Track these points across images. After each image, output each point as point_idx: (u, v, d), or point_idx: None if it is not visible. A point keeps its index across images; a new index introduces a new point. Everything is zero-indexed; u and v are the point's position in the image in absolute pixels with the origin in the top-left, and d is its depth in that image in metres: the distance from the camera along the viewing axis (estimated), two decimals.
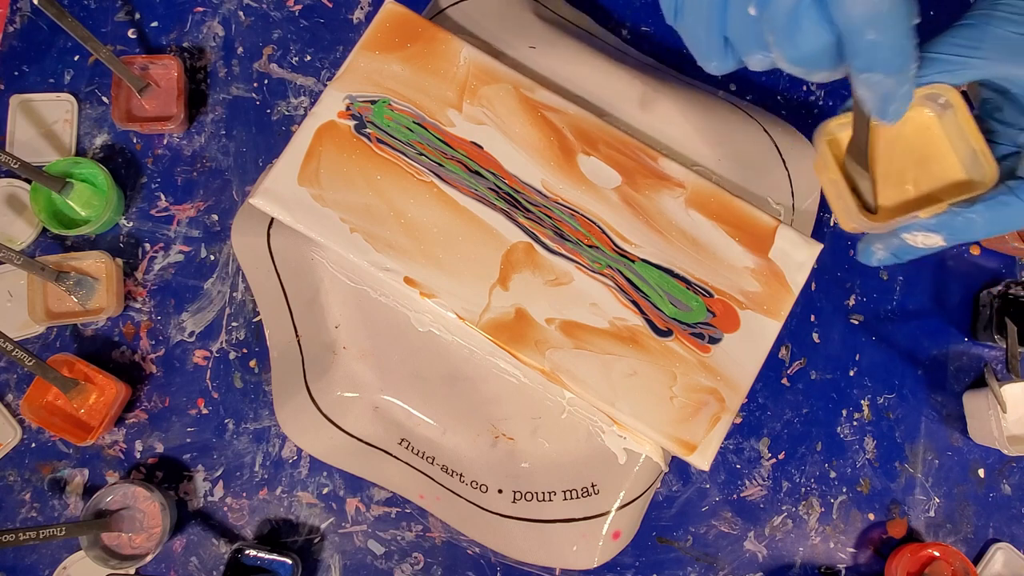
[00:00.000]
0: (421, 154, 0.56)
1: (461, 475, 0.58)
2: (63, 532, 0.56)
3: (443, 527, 0.63)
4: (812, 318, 0.67)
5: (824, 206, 0.68)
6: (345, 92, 0.57)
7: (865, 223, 0.41)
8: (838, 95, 0.71)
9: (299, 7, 0.71)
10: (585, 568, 0.57)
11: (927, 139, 0.41)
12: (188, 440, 0.64)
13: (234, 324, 0.66)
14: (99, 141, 0.68)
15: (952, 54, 0.38)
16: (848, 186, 0.41)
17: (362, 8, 0.71)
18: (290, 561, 0.59)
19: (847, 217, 0.42)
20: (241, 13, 0.70)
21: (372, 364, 0.58)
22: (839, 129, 0.41)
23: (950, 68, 0.38)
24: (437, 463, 0.59)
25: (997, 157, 0.41)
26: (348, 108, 0.56)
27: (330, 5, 0.71)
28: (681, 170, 0.57)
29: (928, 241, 0.40)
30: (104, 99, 0.69)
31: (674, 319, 0.54)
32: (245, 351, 0.65)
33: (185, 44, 0.70)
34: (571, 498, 0.57)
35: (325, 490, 0.64)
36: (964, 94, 0.40)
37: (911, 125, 0.41)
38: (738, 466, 0.65)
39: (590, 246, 0.55)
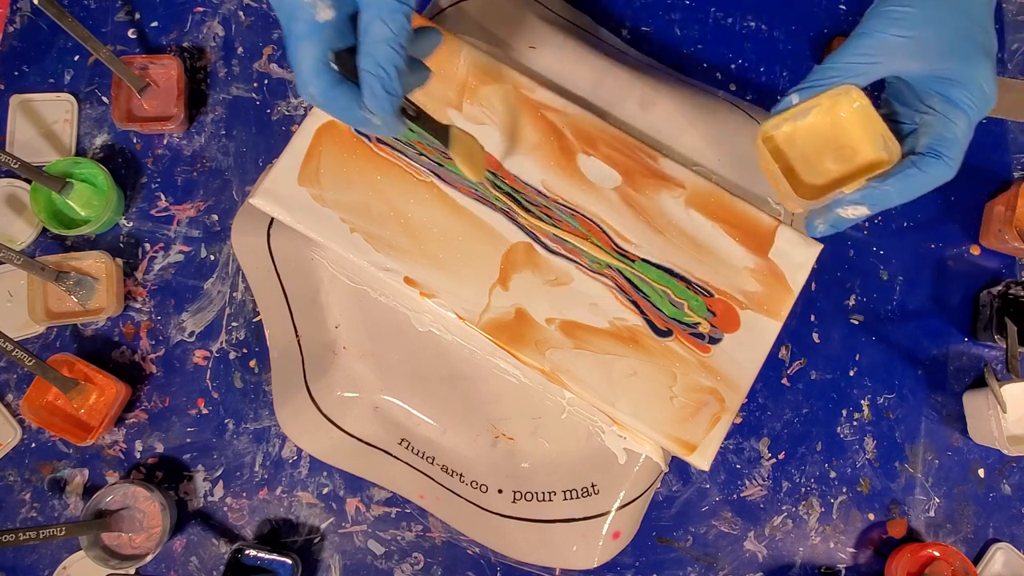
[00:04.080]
0: (421, 154, 0.56)
1: (461, 475, 0.58)
2: (63, 532, 0.56)
3: (443, 527, 0.63)
4: (812, 318, 0.67)
5: None
6: None
7: (801, 202, 0.50)
8: None
9: None
10: (585, 568, 0.57)
11: (841, 130, 0.50)
12: (188, 440, 0.64)
13: (234, 324, 0.66)
14: (99, 141, 0.68)
15: (855, 61, 0.47)
16: (783, 175, 0.50)
17: None
18: (290, 561, 0.59)
19: (788, 199, 0.50)
20: (241, 13, 0.70)
21: (372, 364, 0.58)
22: (772, 128, 0.50)
23: (855, 73, 0.47)
24: (437, 463, 0.59)
25: (902, 135, 0.50)
26: None
27: None
28: (681, 170, 0.57)
29: (856, 212, 0.48)
30: (104, 99, 0.69)
31: (674, 319, 0.54)
32: (245, 351, 0.65)
33: (185, 44, 0.70)
34: (571, 498, 0.57)
35: (325, 490, 0.64)
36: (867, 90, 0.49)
37: (824, 120, 0.50)
38: (738, 466, 0.65)
39: (590, 246, 0.55)
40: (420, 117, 0.46)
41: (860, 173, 0.49)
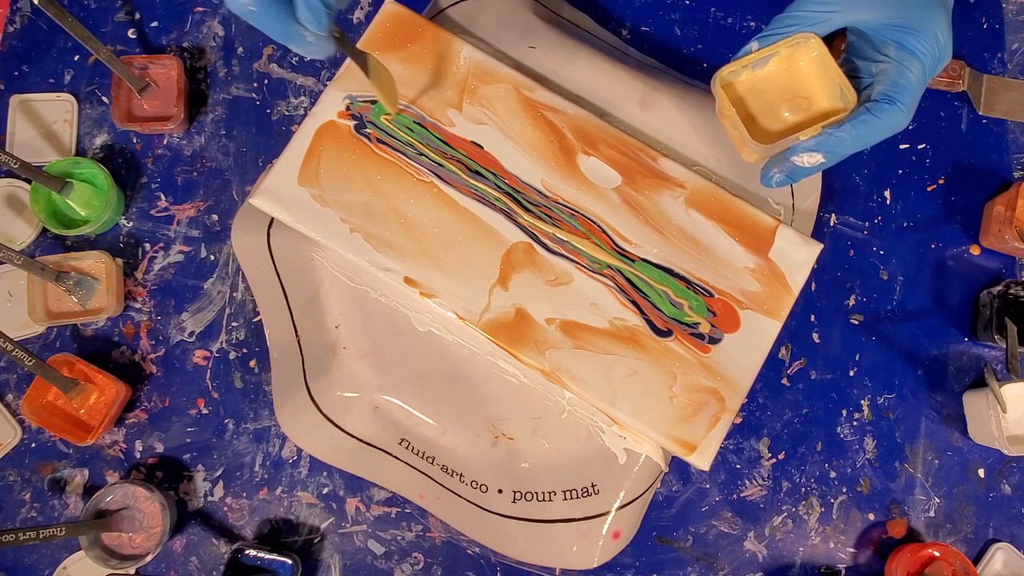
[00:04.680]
0: (421, 154, 0.56)
1: (461, 475, 0.58)
2: (63, 532, 0.56)
3: (443, 527, 0.63)
4: (812, 318, 0.67)
5: (824, 206, 0.68)
6: (345, 92, 0.57)
7: (757, 147, 0.50)
8: None
9: None
10: (585, 568, 0.57)
11: (799, 79, 0.51)
12: (188, 440, 0.64)
13: (234, 324, 0.66)
14: (99, 141, 0.68)
15: (815, 10, 0.48)
16: (741, 121, 0.51)
17: (362, 8, 0.71)
18: (290, 561, 0.59)
19: (743, 145, 0.51)
20: None
21: (372, 364, 0.58)
22: (730, 75, 0.51)
23: (814, 21, 0.48)
24: (437, 463, 0.59)
25: (861, 88, 0.50)
26: (348, 108, 0.56)
27: None
28: (681, 170, 0.57)
29: (812, 160, 0.49)
30: (104, 99, 0.69)
31: (674, 319, 0.54)
32: (245, 351, 0.65)
33: (185, 44, 0.70)
34: (571, 498, 0.57)
35: (325, 490, 0.64)
36: (827, 41, 0.50)
37: (782, 68, 0.51)
38: (738, 466, 0.65)
39: (590, 246, 0.55)
40: (342, 39, 0.46)
41: (817, 122, 0.50)
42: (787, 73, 0.51)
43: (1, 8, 0.70)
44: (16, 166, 0.61)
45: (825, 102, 0.50)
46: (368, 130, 0.56)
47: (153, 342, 0.65)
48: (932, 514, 0.65)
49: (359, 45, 0.58)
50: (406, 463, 0.59)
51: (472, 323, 0.54)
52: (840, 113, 0.49)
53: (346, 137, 0.56)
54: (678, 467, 0.65)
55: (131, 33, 0.70)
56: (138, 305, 0.66)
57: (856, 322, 0.67)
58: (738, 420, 0.66)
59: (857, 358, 0.67)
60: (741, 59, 0.50)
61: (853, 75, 0.52)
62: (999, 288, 0.65)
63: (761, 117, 0.52)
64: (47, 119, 0.68)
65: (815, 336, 0.67)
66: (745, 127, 0.51)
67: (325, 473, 0.64)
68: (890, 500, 0.65)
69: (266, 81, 0.69)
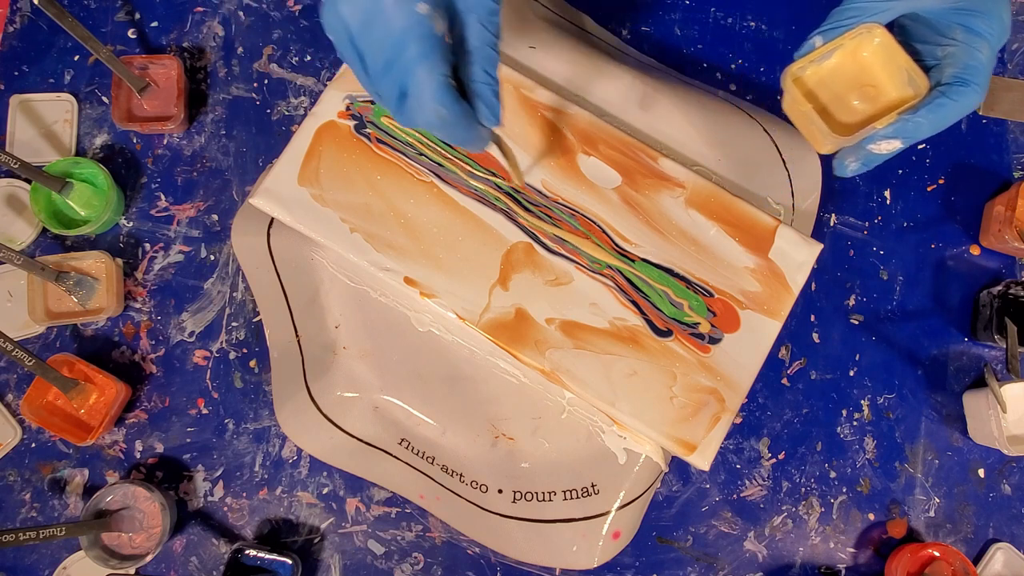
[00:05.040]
0: (421, 154, 0.56)
1: (461, 475, 0.58)
2: (63, 532, 0.56)
3: (443, 527, 0.63)
4: (812, 318, 0.67)
5: (824, 206, 0.68)
6: (345, 92, 0.57)
7: (838, 140, 0.50)
8: None
9: (299, 7, 0.71)
10: (585, 568, 0.57)
11: (863, 68, 0.51)
12: (188, 440, 0.64)
13: (234, 324, 0.66)
14: (99, 141, 0.68)
15: (874, 0, 0.48)
16: (817, 114, 0.51)
17: None
18: (290, 561, 0.59)
19: (822, 139, 0.51)
20: (241, 13, 0.70)
21: (372, 364, 0.58)
22: (800, 71, 0.51)
23: (876, 11, 0.48)
24: (437, 463, 0.59)
25: (925, 71, 0.50)
26: (348, 108, 0.56)
27: None
28: (681, 170, 0.57)
29: (889, 147, 0.49)
30: (104, 99, 0.69)
31: (674, 319, 0.54)
32: (245, 351, 0.65)
33: (185, 44, 0.70)
34: (571, 498, 0.57)
35: (325, 490, 0.64)
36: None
37: (847, 59, 0.51)
38: (738, 466, 0.65)
39: (590, 246, 0.55)
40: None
41: (888, 110, 0.50)
42: (852, 63, 0.51)
43: (1, 8, 0.70)
44: (16, 166, 0.61)
45: (892, 88, 0.51)
46: (368, 130, 0.56)
47: (153, 342, 0.65)
48: (932, 514, 0.65)
49: None
50: (406, 463, 0.59)
51: (472, 323, 0.54)
52: (909, 98, 0.50)
53: (346, 137, 0.56)
54: (678, 467, 0.65)
55: (131, 33, 0.70)
56: (138, 305, 0.66)
57: (856, 322, 0.67)
58: (738, 420, 0.66)
59: (857, 358, 0.67)
60: (808, 55, 0.51)
61: (915, 59, 0.52)
62: (999, 288, 0.65)
63: (832, 108, 0.52)
64: (47, 119, 0.68)
65: (815, 336, 0.67)
66: (821, 120, 0.51)
67: (325, 473, 0.64)
68: (890, 500, 0.65)
69: (266, 81, 0.69)
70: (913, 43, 0.52)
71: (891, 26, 0.51)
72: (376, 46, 0.39)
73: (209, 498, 0.63)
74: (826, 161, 0.68)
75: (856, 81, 0.51)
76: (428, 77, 0.38)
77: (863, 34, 0.49)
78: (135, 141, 0.68)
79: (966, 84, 0.48)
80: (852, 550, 0.64)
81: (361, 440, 0.59)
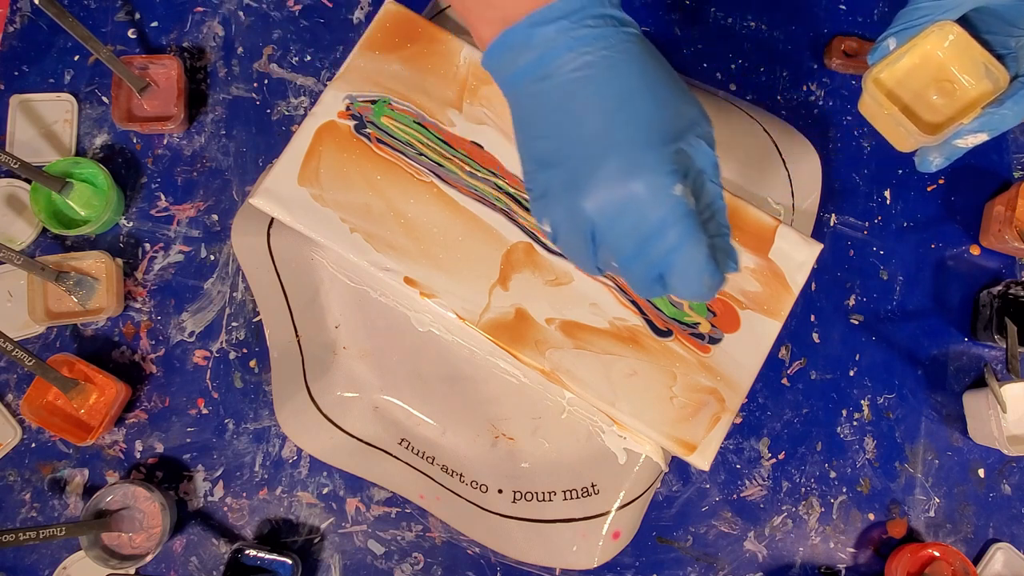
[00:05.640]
0: (421, 154, 0.56)
1: (461, 475, 0.58)
2: (63, 532, 0.56)
3: (443, 527, 0.63)
4: (812, 318, 0.67)
5: (824, 206, 0.68)
6: (345, 92, 0.57)
7: (925, 138, 0.51)
8: (837, 95, 0.71)
9: (299, 7, 0.71)
10: (585, 568, 0.57)
11: (941, 67, 0.52)
12: (188, 440, 0.64)
13: (234, 324, 0.66)
14: (99, 141, 0.68)
15: None
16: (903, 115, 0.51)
17: (362, 8, 0.71)
18: (290, 561, 0.59)
19: (908, 138, 0.52)
20: (241, 13, 0.70)
21: (372, 364, 0.58)
22: (880, 73, 0.52)
23: (945, 8, 0.49)
24: (437, 463, 0.59)
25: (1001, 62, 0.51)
26: (348, 108, 0.56)
27: (330, 5, 0.71)
28: None
29: (975, 140, 0.50)
30: (104, 99, 0.69)
31: (674, 319, 0.54)
32: (245, 351, 0.65)
33: (185, 44, 0.70)
34: (571, 498, 0.57)
35: (325, 490, 0.64)
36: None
37: (923, 57, 0.52)
38: (738, 466, 0.65)
39: None
40: None
41: (968, 104, 0.51)
42: (928, 61, 0.52)
43: (1, 8, 0.70)
44: (16, 166, 0.61)
45: (971, 82, 0.51)
46: (368, 130, 0.56)
47: (153, 342, 0.65)
48: (932, 514, 0.65)
49: (359, 45, 0.58)
50: (406, 463, 0.59)
51: (472, 323, 0.54)
52: (988, 90, 0.50)
53: (346, 137, 0.56)
54: (678, 467, 0.65)
55: (131, 33, 0.70)
56: (138, 305, 0.66)
57: (856, 322, 0.67)
58: (738, 420, 0.66)
59: (857, 358, 0.67)
60: (885, 57, 0.51)
61: (988, 51, 0.52)
62: (999, 288, 0.65)
63: (913, 107, 0.52)
64: (47, 119, 0.68)
65: (815, 336, 0.67)
66: (908, 120, 0.52)
67: (325, 473, 0.64)
68: (890, 500, 0.65)
69: (266, 81, 0.69)
70: (982, 35, 0.51)
71: (959, 20, 0.51)
72: (626, 235, 0.37)
73: (209, 498, 0.63)
74: (826, 161, 0.68)
75: (933, 78, 0.52)
76: (697, 254, 0.37)
77: (935, 32, 0.50)
78: (135, 141, 0.68)
79: None
80: (852, 550, 0.64)
81: (361, 440, 0.59)
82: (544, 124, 0.39)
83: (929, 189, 0.70)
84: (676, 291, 0.39)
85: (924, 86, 0.52)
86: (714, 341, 0.54)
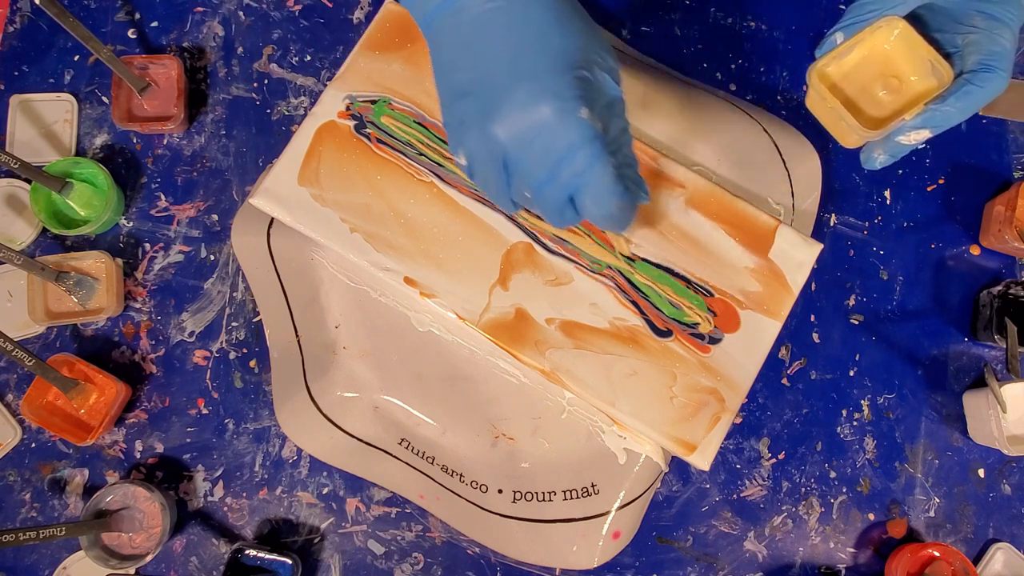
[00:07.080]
0: (421, 154, 0.56)
1: (461, 475, 0.58)
2: (63, 532, 0.56)
3: (443, 527, 0.63)
4: (812, 318, 0.67)
5: (824, 206, 0.68)
6: (345, 92, 0.57)
7: (866, 133, 0.51)
8: None
9: (299, 7, 0.71)
10: (585, 568, 0.57)
11: (885, 60, 0.52)
12: (188, 440, 0.64)
13: (234, 324, 0.66)
14: (99, 141, 0.68)
15: None
16: (845, 109, 0.51)
17: (362, 8, 0.71)
18: (290, 561, 0.59)
19: (850, 133, 0.52)
20: (241, 13, 0.70)
21: (372, 364, 0.58)
22: (825, 67, 0.52)
23: (892, 4, 0.49)
24: (437, 463, 0.59)
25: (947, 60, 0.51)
26: (348, 108, 0.56)
27: (330, 5, 0.71)
28: (681, 170, 0.57)
29: (918, 136, 0.50)
30: (104, 99, 0.69)
31: (674, 319, 0.54)
32: (245, 351, 0.65)
33: (185, 44, 0.70)
34: (571, 498, 0.57)
35: (325, 490, 0.64)
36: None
37: (869, 52, 0.52)
38: (738, 466, 0.65)
39: (590, 246, 0.55)
40: None
41: (913, 100, 0.51)
42: (875, 57, 0.52)
43: (1, 8, 0.70)
44: (16, 166, 0.61)
45: (916, 79, 0.51)
46: (368, 130, 0.56)
47: (153, 342, 0.65)
48: (932, 514, 0.65)
49: (359, 45, 0.58)
50: (406, 463, 0.59)
51: (472, 323, 0.54)
52: (933, 87, 0.50)
53: (346, 137, 0.56)
54: (678, 467, 0.65)
55: (131, 33, 0.70)
56: (138, 305, 0.66)
57: (856, 322, 0.67)
58: (738, 420, 0.66)
59: (857, 358, 0.67)
60: (831, 52, 0.51)
61: (935, 48, 0.52)
62: (999, 288, 0.65)
63: (858, 102, 0.52)
64: (47, 119, 0.68)
65: (815, 336, 0.67)
66: (850, 115, 0.52)
67: (325, 473, 0.64)
68: (890, 500, 0.65)
69: (266, 81, 0.69)
70: (931, 32, 0.52)
71: (908, 17, 0.51)
72: (537, 160, 0.39)
73: (209, 498, 0.63)
74: (826, 161, 0.68)
75: (879, 74, 0.52)
76: (603, 174, 0.39)
77: (883, 27, 0.50)
78: (135, 141, 0.68)
79: (991, 70, 0.48)
80: (852, 550, 0.64)
81: (361, 440, 0.59)
82: (459, 56, 0.40)
83: (929, 189, 0.70)
84: (589, 214, 0.40)
85: (870, 81, 0.52)
86: (714, 341, 0.54)
